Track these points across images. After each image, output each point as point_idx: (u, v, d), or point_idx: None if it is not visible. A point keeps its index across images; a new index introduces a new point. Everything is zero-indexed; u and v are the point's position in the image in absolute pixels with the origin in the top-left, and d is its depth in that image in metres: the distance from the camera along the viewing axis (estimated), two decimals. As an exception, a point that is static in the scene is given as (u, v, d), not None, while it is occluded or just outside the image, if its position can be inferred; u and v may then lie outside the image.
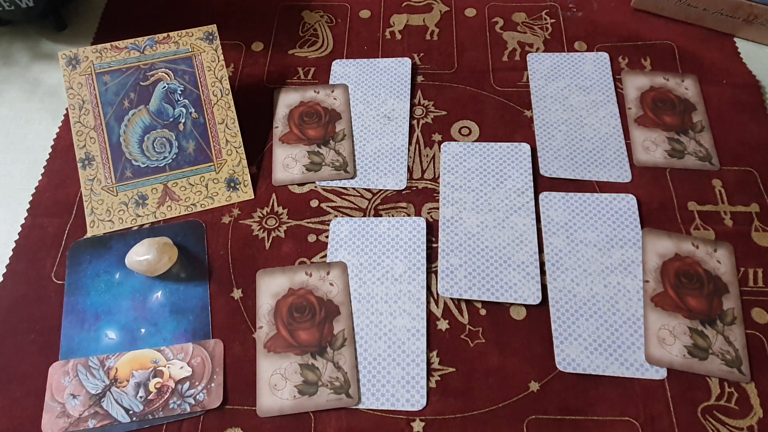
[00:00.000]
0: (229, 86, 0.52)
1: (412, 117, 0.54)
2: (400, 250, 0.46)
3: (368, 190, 0.50)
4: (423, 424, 0.40)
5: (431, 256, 0.46)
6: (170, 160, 0.50)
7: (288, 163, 0.51)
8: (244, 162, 0.51)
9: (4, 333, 0.44)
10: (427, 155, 0.52)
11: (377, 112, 0.54)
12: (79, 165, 0.49)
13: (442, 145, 0.51)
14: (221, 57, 0.52)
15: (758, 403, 0.40)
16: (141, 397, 0.41)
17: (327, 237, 0.48)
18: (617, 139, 0.51)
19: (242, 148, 0.51)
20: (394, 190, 0.50)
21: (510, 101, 0.54)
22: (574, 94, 0.54)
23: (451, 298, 0.45)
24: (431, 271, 0.46)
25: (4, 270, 0.47)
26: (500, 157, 0.51)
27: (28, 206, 0.50)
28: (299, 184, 0.51)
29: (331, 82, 0.56)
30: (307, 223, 0.49)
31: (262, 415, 0.41)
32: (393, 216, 0.48)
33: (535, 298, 0.44)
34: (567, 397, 0.41)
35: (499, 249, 0.46)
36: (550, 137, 0.52)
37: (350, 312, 0.44)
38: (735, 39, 0.58)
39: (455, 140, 0.52)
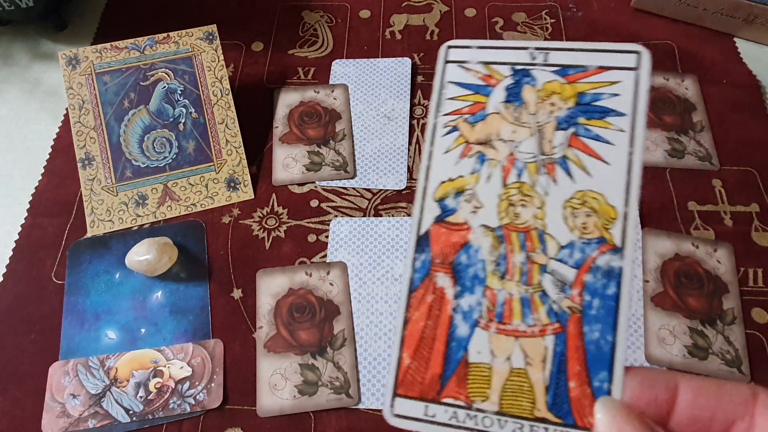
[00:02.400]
0: (229, 86, 0.52)
1: (412, 117, 0.54)
2: (400, 250, 0.46)
3: (368, 190, 0.50)
4: (423, 424, 0.40)
5: (431, 256, 0.46)
6: (170, 160, 0.50)
7: (288, 163, 0.51)
8: (244, 162, 0.51)
9: (4, 333, 0.44)
10: (427, 155, 0.52)
11: (377, 112, 0.54)
12: (79, 165, 0.49)
13: None
14: (221, 57, 0.52)
15: (758, 403, 0.40)
16: (141, 397, 0.41)
17: (327, 237, 0.48)
18: (617, 139, 0.51)
19: (242, 148, 0.51)
20: (394, 190, 0.50)
21: (510, 101, 0.54)
22: (574, 94, 0.54)
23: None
24: (431, 271, 0.46)
25: (4, 270, 0.47)
26: None
27: (28, 206, 0.50)
28: (299, 184, 0.51)
29: (331, 82, 0.56)
30: (307, 223, 0.49)
31: (262, 415, 0.41)
32: (393, 216, 0.49)
33: None
34: (567, 397, 0.41)
35: None
36: (550, 137, 0.52)
37: (350, 312, 0.44)
38: (735, 39, 0.58)
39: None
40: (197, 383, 0.42)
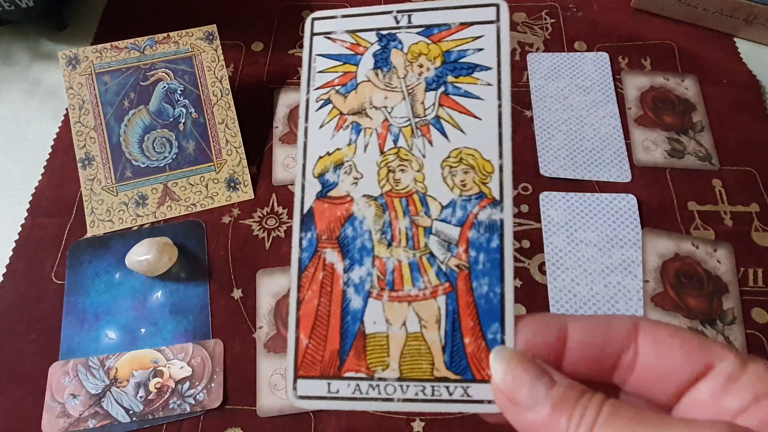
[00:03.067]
0: (229, 86, 0.52)
1: (412, 117, 0.54)
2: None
3: (368, 190, 0.50)
4: (423, 423, 0.40)
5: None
6: (170, 160, 0.50)
7: (288, 163, 0.51)
8: (244, 162, 0.51)
9: (4, 333, 0.44)
10: (427, 155, 0.52)
11: (377, 112, 0.54)
12: (79, 165, 0.49)
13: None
14: (221, 57, 0.52)
15: (758, 403, 0.40)
16: (141, 397, 0.41)
17: (327, 237, 0.48)
18: (617, 139, 0.51)
19: (242, 148, 0.51)
20: (394, 190, 0.50)
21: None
22: (574, 94, 0.54)
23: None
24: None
25: (4, 270, 0.47)
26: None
27: (28, 206, 0.50)
28: (299, 184, 0.51)
29: (331, 82, 0.56)
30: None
31: (262, 415, 0.41)
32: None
33: None
34: (567, 397, 0.41)
35: None
36: (550, 137, 0.52)
37: (350, 312, 0.44)
38: (735, 39, 0.58)
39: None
40: (197, 383, 0.42)
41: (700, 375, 0.18)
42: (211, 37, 0.52)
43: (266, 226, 0.49)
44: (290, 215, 0.49)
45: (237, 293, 0.46)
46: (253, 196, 0.50)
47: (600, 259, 0.46)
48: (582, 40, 0.58)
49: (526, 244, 0.47)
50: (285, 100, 0.55)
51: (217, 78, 0.52)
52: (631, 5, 0.60)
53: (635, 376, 0.20)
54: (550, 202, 0.48)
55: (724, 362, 0.18)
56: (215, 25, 0.53)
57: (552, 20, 0.60)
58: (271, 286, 0.45)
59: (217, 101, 0.51)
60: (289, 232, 0.48)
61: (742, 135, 0.51)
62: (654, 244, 0.46)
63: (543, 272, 0.45)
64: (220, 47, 0.52)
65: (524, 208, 0.48)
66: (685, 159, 0.50)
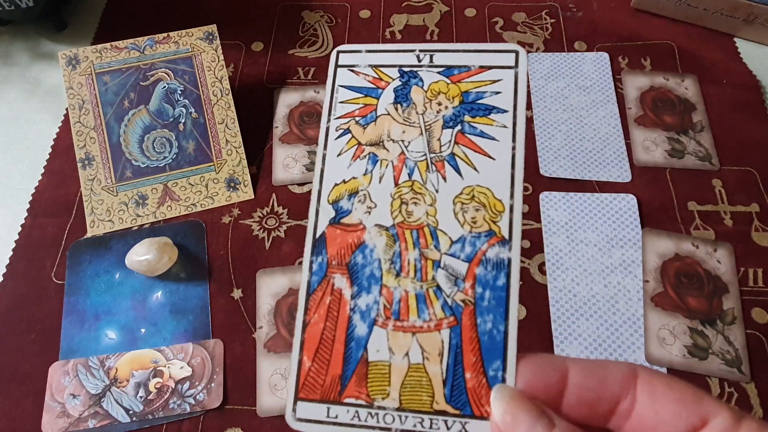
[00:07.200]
0: (229, 86, 0.52)
1: (412, 117, 0.54)
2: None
3: (368, 190, 0.50)
4: (423, 424, 0.40)
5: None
6: (170, 160, 0.50)
7: (288, 163, 0.51)
8: (244, 162, 0.51)
9: (4, 333, 0.44)
10: (427, 155, 0.52)
11: (377, 112, 0.54)
12: (79, 165, 0.49)
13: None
14: (221, 57, 0.52)
15: (758, 403, 0.40)
16: (141, 397, 0.41)
17: (327, 237, 0.48)
18: (617, 139, 0.51)
19: (242, 148, 0.51)
20: (394, 190, 0.50)
21: (510, 101, 0.54)
22: (574, 93, 0.54)
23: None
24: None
25: (4, 270, 0.47)
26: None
27: (28, 206, 0.50)
28: (299, 184, 0.51)
29: (331, 82, 0.56)
30: (307, 223, 0.49)
31: (262, 415, 0.41)
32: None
33: None
34: (567, 397, 0.41)
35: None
36: (550, 137, 0.52)
37: (350, 312, 0.44)
38: (735, 39, 0.58)
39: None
40: (197, 383, 0.42)
41: (695, 429, 0.18)
42: (211, 37, 0.52)
43: (266, 226, 0.49)
44: (290, 215, 0.49)
45: (237, 293, 0.46)
46: (253, 196, 0.50)
47: (600, 259, 0.46)
48: (582, 40, 0.58)
49: (526, 244, 0.47)
50: (285, 100, 0.55)
51: (217, 78, 0.52)
52: (631, 5, 0.60)
53: (631, 424, 0.20)
54: (550, 202, 0.48)
55: (718, 418, 0.18)
56: (215, 25, 0.53)
57: (552, 20, 0.60)
58: (271, 286, 0.45)
59: (217, 101, 0.51)
60: (289, 232, 0.48)
61: (742, 135, 0.51)
62: (654, 244, 0.46)
63: (543, 272, 0.45)
64: (220, 47, 0.52)
65: (524, 208, 0.48)
66: (685, 159, 0.50)
